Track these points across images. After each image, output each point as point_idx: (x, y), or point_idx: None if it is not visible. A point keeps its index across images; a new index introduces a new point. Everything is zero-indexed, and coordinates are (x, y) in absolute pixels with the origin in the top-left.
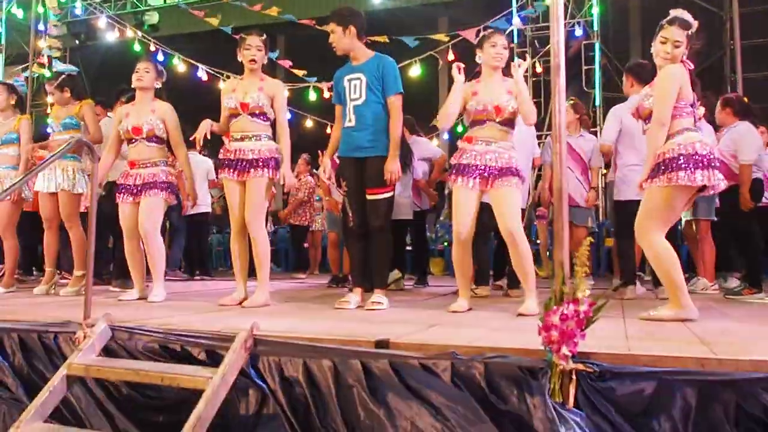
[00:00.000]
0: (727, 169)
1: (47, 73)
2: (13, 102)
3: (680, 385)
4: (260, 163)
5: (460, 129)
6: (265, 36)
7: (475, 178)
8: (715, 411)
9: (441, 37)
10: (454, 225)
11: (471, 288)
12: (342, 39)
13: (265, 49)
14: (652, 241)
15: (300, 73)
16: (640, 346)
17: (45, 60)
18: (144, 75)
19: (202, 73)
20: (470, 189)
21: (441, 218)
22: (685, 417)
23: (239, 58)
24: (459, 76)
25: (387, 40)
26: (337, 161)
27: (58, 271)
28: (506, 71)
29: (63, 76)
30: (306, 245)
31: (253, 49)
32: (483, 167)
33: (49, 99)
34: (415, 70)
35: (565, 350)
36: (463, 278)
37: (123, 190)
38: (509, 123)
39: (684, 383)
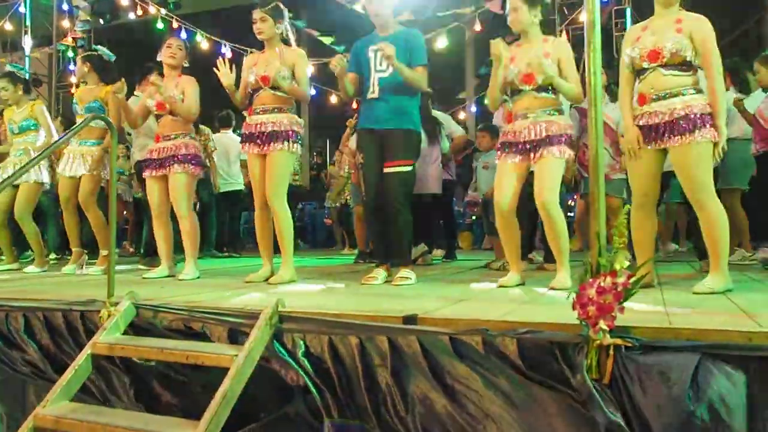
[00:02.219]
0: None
1: (70, 54)
2: (20, 92)
3: (725, 360)
4: (280, 136)
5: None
6: (272, 5)
7: (515, 154)
8: (762, 387)
9: (466, 10)
10: (495, 197)
11: (503, 263)
12: (388, 7)
13: (274, 18)
14: (716, 203)
15: (327, 41)
16: (681, 320)
17: (70, 41)
18: (177, 52)
19: (227, 50)
20: (512, 165)
21: (468, 192)
22: (729, 393)
23: None
24: (498, 53)
25: (411, 17)
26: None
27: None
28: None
29: (93, 52)
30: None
31: (258, 23)
32: (522, 143)
33: (73, 79)
34: (442, 42)
35: (602, 324)
36: (510, 251)
37: (148, 165)
38: (547, 89)
39: (729, 358)
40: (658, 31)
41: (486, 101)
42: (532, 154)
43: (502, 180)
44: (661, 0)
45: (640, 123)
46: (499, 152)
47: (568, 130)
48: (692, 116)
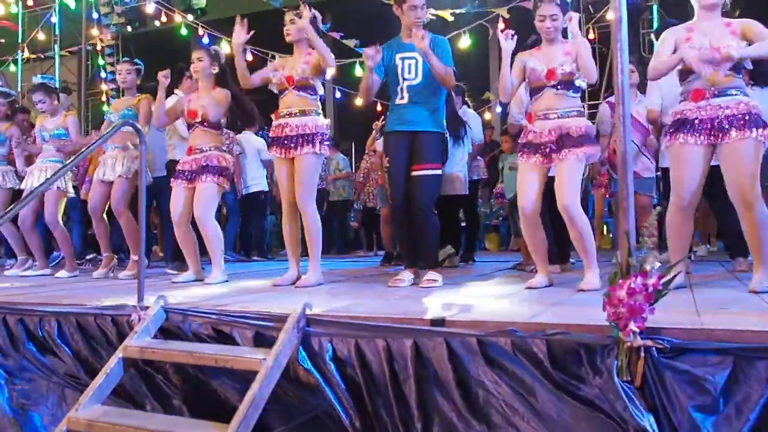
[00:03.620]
0: None
1: (100, 61)
2: (56, 102)
3: (760, 361)
4: (306, 139)
5: None
6: (300, 9)
7: (536, 155)
8: None
9: (503, 10)
10: (518, 201)
11: (533, 267)
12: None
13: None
14: (763, 203)
15: (351, 43)
16: (713, 321)
17: (99, 47)
18: (198, 64)
19: (248, 55)
20: (533, 164)
21: (494, 192)
22: (765, 395)
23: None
24: (505, 43)
25: (452, 19)
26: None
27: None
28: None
29: (139, 66)
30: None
31: (287, 24)
32: (542, 144)
33: (104, 86)
34: (465, 41)
35: (632, 326)
36: (537, 254)
37: (178, 176)
38: (567, 86)
39: (764, 360)
40: (710, 33)
41: (500, 96)
42: (553, 156)
43: (523, 182)
44: (705, 4)
45: (697, 116)
46: (520, 154)
47: (589, 130)
48: (754, 113)
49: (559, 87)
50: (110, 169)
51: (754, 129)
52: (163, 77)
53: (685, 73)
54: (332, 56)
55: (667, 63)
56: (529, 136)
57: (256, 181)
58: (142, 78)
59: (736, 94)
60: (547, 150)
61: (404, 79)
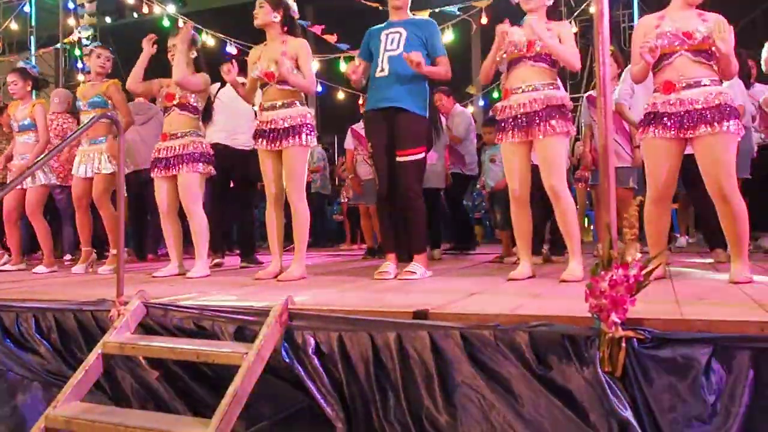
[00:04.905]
0: None
1: (77, 52)
2: (29, 88)
3: (738, 351)
4: (294, 131)
5: (496, 95)
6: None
7: (514, 129)
8: None
9: (478, 3)
10: (508, 183)
11: (514, 259)
12: None
13: (272, 6)
14: (739, 196)
15: (332, 39)
16: (693, 311)
17: (75, 38)
18: (174, 51)
19: (232, 48)
20: (515, 143)
21: (477, 186)
22: (743, 385)
23: None
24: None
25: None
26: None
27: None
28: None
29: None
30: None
31: (256, 8)
32: (519, 115)
33: (81, 77)
34: (448, 36)
35: (614, 317)
36: (522, 240)
37: (156, 165)
38: (545, 59)
39: (743, 350)
40: (680, 19)
41: (480, 77)
42: (531, 129)
43: (509, 165)
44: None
45: (666, 110)
46: (498, 134)
47: (565, 101)
48: (725, 104)
49: (536, 60)
50: (89, 167)
51: (725, 122)
52: (148, 42)
53: (656, 62)
54: (314, 85)
55: (636, 68)
56: (505, 111)
57: None
58: (124, 72)
59: (706, 85)
60: (525, 121)
61: (386, 50)
